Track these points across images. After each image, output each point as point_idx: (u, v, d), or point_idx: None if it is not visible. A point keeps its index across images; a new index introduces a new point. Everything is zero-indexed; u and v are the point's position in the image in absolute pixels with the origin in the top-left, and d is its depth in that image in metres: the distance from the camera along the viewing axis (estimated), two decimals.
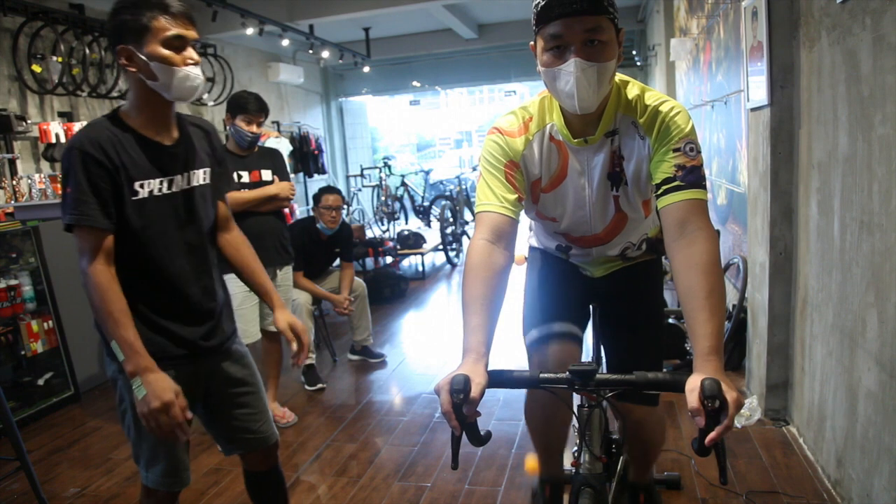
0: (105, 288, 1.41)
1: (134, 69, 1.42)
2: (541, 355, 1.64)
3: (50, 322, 3.61)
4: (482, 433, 1.15)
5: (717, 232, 1.34)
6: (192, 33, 1.45)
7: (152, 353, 1.45)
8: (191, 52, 1.45)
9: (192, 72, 1.45)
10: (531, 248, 1.81)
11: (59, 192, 4.35)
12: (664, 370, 1.37)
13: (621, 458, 1.89)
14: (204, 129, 1.65)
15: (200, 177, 1.59)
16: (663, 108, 1.33)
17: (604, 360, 1.81)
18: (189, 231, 1.56)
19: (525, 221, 1.56)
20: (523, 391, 1.74)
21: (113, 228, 1.44)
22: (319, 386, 3.69)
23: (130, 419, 1.54)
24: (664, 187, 1.29)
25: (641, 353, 1.67)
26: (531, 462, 1.77)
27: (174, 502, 1.65)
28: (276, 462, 1.81)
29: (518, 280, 1.67)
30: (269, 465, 1.79)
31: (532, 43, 1.31)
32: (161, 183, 1.49)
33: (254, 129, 2.95)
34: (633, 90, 1.38)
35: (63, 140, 4.80)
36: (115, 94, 5.26)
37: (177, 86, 1.44)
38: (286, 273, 3.19)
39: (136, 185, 1.45)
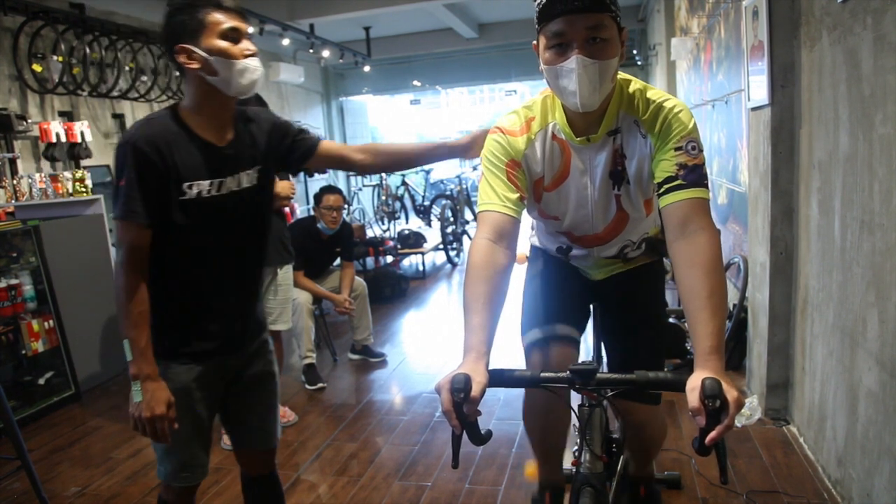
0: (131, 287, 1.42)
1: (195, 65, 1.43)
2: (538, 357, 1.63)
3: (50, 321, 3.61)
4: (483, 432, 1.15)
5: (719, 231, 1.34)
6: (244, 25, 1.48)
7: (179, 345, 1.47)
8: (247, 44, 1.47)
9: (251, 63, 1.47)
10: (532, 248, 1.80)
11: (60, 191, 4.35)
12: (665, 370, 1.37)
13: (622, 457, 1.89)
14: (254, 119, 1.62)
15: (253, 178, 1.57)
16: (665, 107, 1.33)
17: (604, 359, 1.81)
18: (235, 233, 1.56)
19: (527, 221, 1.56)
20: (524, 391, 1.73)
21: (153, 226, 1.45)
22: (320, 385, 3.69)
23: None
24: (666, 186, 1.29)
25: (642, 355, 1.66)
26: (531, 468, 1.76)
27: (191, 498, 1.65)
28: (274, 467, 1.82)
29: (519, 279, 1.67)
30: (267, 469, 1.80)
31: (534, 41, 1.31)
32: (210, 184, 1.49)
33: None
34: (635, 89, 1.37)
35: (64, 140, 4.81)
36: (115, 93, 5.26)
37: (236, 79, 1.45)
38: (286, 272, 3.19)
39: (185, 185, 1.45)
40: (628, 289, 1.68)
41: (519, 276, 1.67)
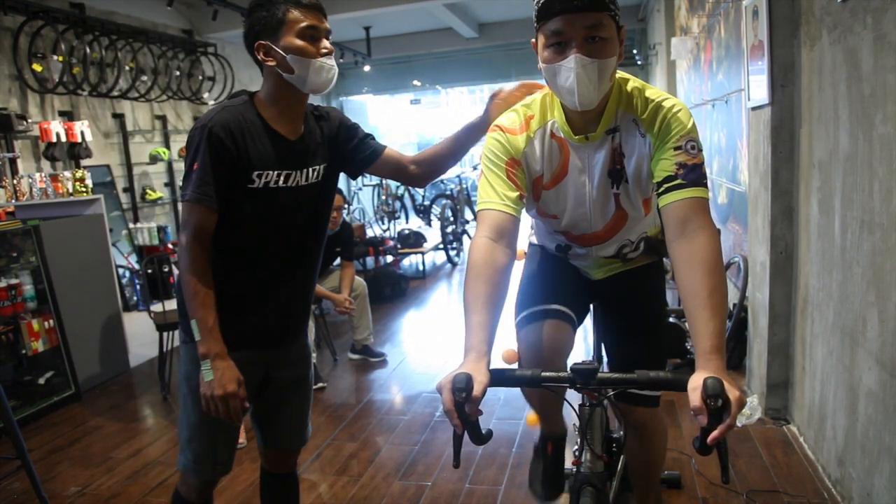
0: (199, 268, 1.44)
1: (272, 63, 1.46)
2: (531, 335, 1.57)
3: (50, 321, 3.61)
4: (483, 432, 1.15)
5: (718, 231, 1.34)
6: (325, 24, 1.49)
7: (225, 332, 1.48)
8: (325, 43, 1.49)
9: (327, 62, 1.49)
10: (531, 245, 1.80)
11: (60, 190, 4.35)
12: (665, 369, 1.37)
13: (622, 457, 1.89)
14: (323, 117, 1.64)
15: (319, 173, 1.60)
16: (664, 106, 1.33)
17: (604, 359, 1.81)
18: (297, 226, 1.57)
19: (526, 220, 1.55)
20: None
21: (219, 210, 1.46)
22: (320, 385, 3.69)
23: (186, 392, 1.56)
24: (665, 185, 1.29)
25: (642, 355, 1.65)
26: (533, 416, 1.78)
27: (207, 493, 1.65)
28: (296, 467, 1.83)
29: (518, 275, 1.67)
30: (289, 468, 1.81)
31: (533, 40, 1.31)
32: (278, 176, 1.50)
33: None
34: (633, 87, 1.37)
35: (64, 139, 4.81)
36: (115, 93, 5.26)
37: (312, 77, 1.47)
38: None
39: (255, 174, 1.47)
40: (628, 288, 1.68)
41: (517, 273, 1.67)
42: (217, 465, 1.61)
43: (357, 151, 1.67)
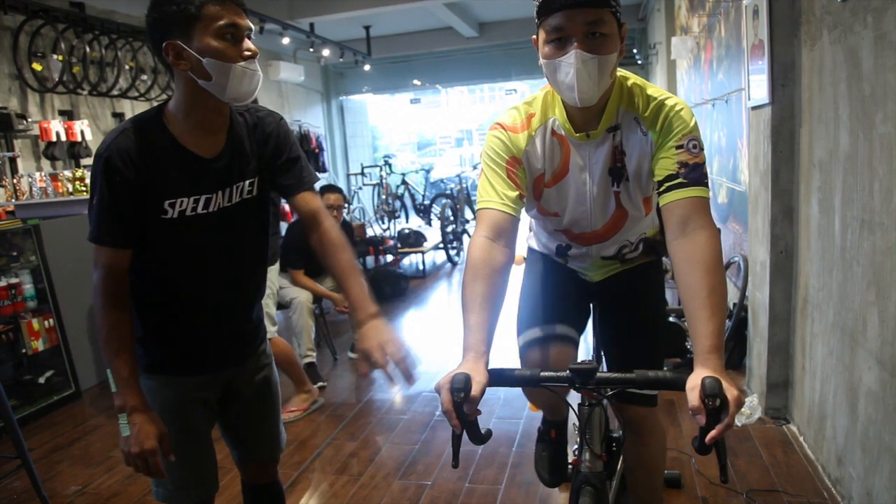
0: (110, 314, 1.31)
1: (184, 67, 1.25)
2: (536, 357, 1.61)
3: (51, 320, 3.61)
4: (483, 431, 1.15)
5: (719, 230, 1.34)
6: (245, 21, 1.27)
7: (170, 358, 1.37)
8: (248, 44, 1.27)
9: (251, 67, 1.27)
10: (530, 250, 1.80)
11: (60, 190, 4.34)
12: (664, 368, 1.37)
13: (621, 456, 1.88)
14: (258, 124, 1.43)
15: (245, 190, 1.41)
16: (667, 104, 1.33)
17: (604, 359, 1.81)
18: (225, 252, 1.41)
19: (525, 222, 1.55)
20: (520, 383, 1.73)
21: (131, 246, 1.32)
22: (321, 384, 3.69)
23: None
24: (666, 184, 1.29)
25: (641, 354, 1.65)
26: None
27: None
28: (276, 477, 1.75)
29: (517, 279, 1.67)
30: (269, 478, 1.73)
31: (534, 36, 1.31)
32: (196, 202, 1.33)
33: None
34: (635, 86, 1.37)
35: (64, 139, 4.81)
36: (115, 92, 5.26)
37: (234, 85, 1.26)
38: (271, 272, 3.20)
39: (166, 203, 1.30)
40: (627, 287, 1.68)
41: (516, 276, 1.67)
42: (202, 485, 1.51)
43: (276, 175, 1.45)
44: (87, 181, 4.53)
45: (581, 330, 1.72)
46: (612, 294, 1.70)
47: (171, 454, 1.34)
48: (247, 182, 1.41)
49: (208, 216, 1.36)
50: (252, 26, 1.31)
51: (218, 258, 1.41)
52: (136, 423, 1.31)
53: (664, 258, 1.69)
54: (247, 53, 1.27)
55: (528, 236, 1.80)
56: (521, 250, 1.61)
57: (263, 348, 1.63)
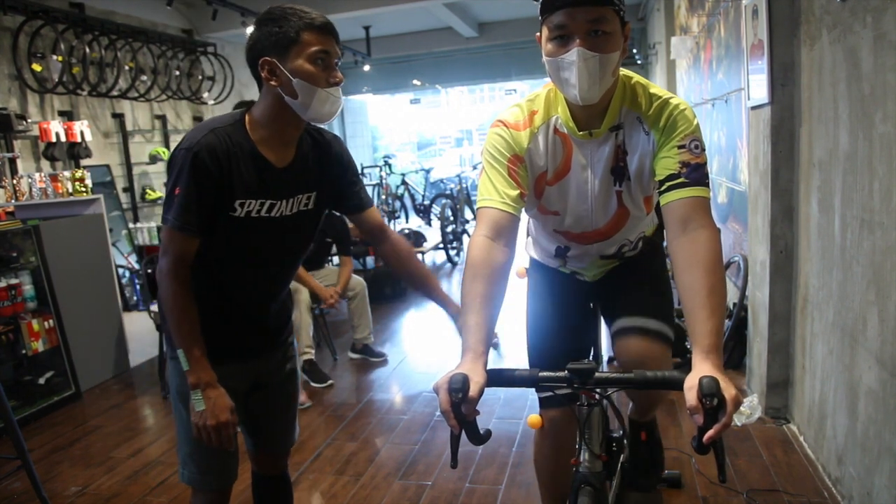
0: (180, 297, 1.40)
1: (275, 83, 1.36)
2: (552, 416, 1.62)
3: (50, 321, 3.61)
4: (482, 432, 1.14)
5: (719, 230, 1.34)
6: (336, 50, 1.39)
7: (210, 347, 1.45)
8: (337, 72, 1.39)
9: (335, 94, 1.39)
10: (532, 261, 1.80)
11: (60, 190, 4.34)
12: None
13: (621, 456, 1.89)
14: (324, 145, 1.56)
15: (309, 201, 1.53)
16: (670, 104, 1.33)
17: (603, 359, 1.80)
18: (276, 255, 1.53)
19: (522, 227, 1.54)
20: (524, 390, 1.73)
21: (204, 236, 1.42)
22: (329, 382, 3.69)
23: (180, 406, 1.53)
24: (668, 184, 1.29)
25: (648, 304, 1.61)
26: (534, 419, 1.77)
27: (223, 501, 1.61)
28: (286, 468, 1.82)
29: (517, 283, 1.66)
30: (279, 469, 1.80)
31: (537, 34, 1.31)
32: (262, 205, 1.44)
33: None
34: (638, 85, 1.37)
35: (63, 139, 4.81)
36: (115, 92, 5.27)
37: (316, 106, 1.37)
38: None
39: (237, 202, 1.41)
40: (625, 270, 1.67)
41: (519, 287, 1.67)
42: (224, 472, 1.58)
43: (342, 196, 1.60)
44: (87, 182, 4.54)
45: (594, 336, 1.73)
46: (611, 281, 1.69)
47: (238, 426, 1.45)
48: (307, 195, 1.53)
49: (270, 220, 1.46)
50: (342, 53, 1.43)
51: (269, 259, 1.53)
52: (212, 398, 1.40)
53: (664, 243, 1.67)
54: (333, 80, 1.39)
55: (525, 243, 1.79)
56: (521, 260, 1.61)
57: (290, 340, 1.73)
